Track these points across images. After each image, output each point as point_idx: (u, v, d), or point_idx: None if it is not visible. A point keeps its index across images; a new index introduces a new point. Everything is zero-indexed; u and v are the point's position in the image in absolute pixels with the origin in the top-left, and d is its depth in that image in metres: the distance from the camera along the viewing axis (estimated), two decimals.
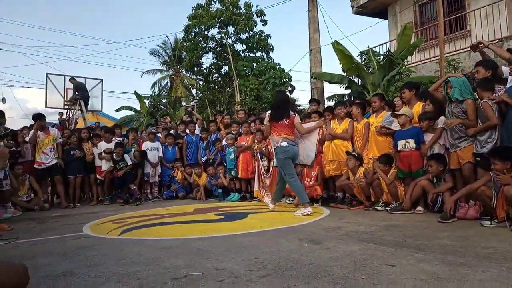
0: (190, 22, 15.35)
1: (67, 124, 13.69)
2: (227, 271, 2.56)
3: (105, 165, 8.05)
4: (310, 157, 5.83)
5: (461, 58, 10.14)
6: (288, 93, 14.28)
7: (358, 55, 11.71)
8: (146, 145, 8.67)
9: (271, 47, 16.00)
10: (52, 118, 16.34)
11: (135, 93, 20.73)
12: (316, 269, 2.52)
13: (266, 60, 15.70)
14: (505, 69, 4.59)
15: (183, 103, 22.50)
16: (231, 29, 15.66)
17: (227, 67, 15.88)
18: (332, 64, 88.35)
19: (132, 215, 5.98)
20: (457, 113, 4.53)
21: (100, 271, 2.69)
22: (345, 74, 11.62)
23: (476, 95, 4.57)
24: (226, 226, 4.66)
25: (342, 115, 6.24)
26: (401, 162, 5.22)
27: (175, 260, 2.90)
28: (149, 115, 20.44)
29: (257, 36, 15.71)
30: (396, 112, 5.45)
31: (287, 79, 14.45)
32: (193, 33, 15.53)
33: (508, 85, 4.40)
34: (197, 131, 9.20)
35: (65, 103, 14.62)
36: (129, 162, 7.91)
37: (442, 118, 4.99)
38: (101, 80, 15.74)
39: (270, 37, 16.03)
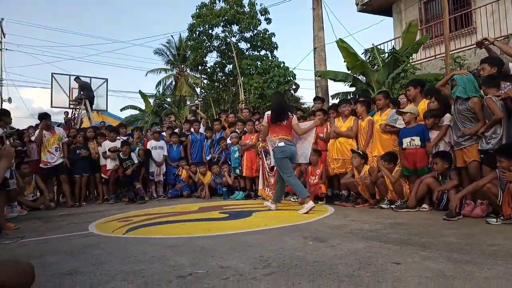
0: (194, 21, 15.38)
1: (73, 124, 13.76)
2: (231, 269, 2.57)
3: (110, 164, 8.10)
4: (307, 156, 5.91)
5: (466, 55, 10.08)
6: (292, 91, 14.29)
7: (362, 53, 11.68)
8: (151, 144, 8.70)
9: (275, 46, 16.00)
10: (58, 117, 16.44)
11: (140, 92, 20.85)
12: (320, 267, 2.52)
13: (270, 58, 15.70)
14: (511, 66, 4.54)
15: (188, 102, 22.55)
16: (235, 28, 15.68)
17: (231, 65, 15.89)
18: (336, 62, 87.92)
19: (137, 213, 6.01)
20: (462, 110, 4.49)
21: (105, 269, 2.71)
22: (349, 72, 11.59)
23: (482, 92, 4.54)
24: (230, 225, 4.67)
25: (347, 113, 6.24)
26: (406, 160, 5.20)
27: (180, 258, 2.91)
28: (153, 114, 20.53)
29: (261, 35, 15.71)
30: (401, 110, 5.43)
31: (291, 77, 14.44)
32: (197, 32, 15.56)
33: None
34: (201, 129, 9.22)
35: (71, 102, 14.71)
36: (136, 161, 7.96)
37: (447, 115, 4.97)
38: (106, 80, 15.81)
39: (274, 36, 16.06)
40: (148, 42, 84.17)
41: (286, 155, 5.47)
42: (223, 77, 16.78)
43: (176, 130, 9.61)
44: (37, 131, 7.72)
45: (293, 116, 5.72)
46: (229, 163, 7.92)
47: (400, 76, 9.68)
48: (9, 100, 23.38)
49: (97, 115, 16.11)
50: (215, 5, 15.52)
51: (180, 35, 25.37)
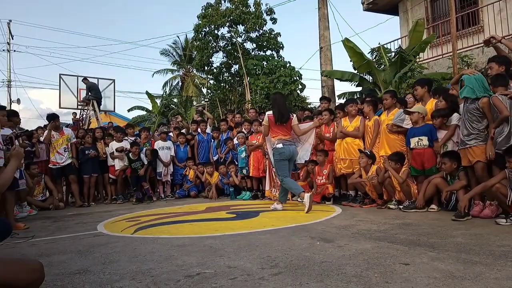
0: (200, 22, 15.38)
1: (81, 124, 13.88)
2: (239, 269, 2.57)
3: (118, 164, 8.16)
4: (305, 157, 5.94)
5: (474, 54, 9.99)
6: (298, 91, 14.25)
7: (369, 52, 11.64)
8: (158, 144, 8.75)
9: (281, 45, 15.95)
10: (66, 118, 16.63)
11: (147, 93, 20.95)
12: (328, 267, 2.52)
13: (276, 58, 15.65)
14: None
15: (194, 102, 22.61)
16: (241, 28, 15.65)
17: (237, 66, 15.88)
18: (342, 62, 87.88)
19: (145, 213, 6.04)
20: (471, 109, 4.43)
21: (114, 269, 2.73)
22: (356, 71, 11.55)
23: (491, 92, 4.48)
24: (238, 225, 4.68)
25: (354, 112, 6.22)
26: (414, 160, 5.17)
27: (187, 258, 2.92)
28: (160, 114, 20.62)
29: (267, 35, 15.67)
30: (409, 109, 5.39)
31: (297, 77, 14.39)
32: (203, 33, 15.56)
33: None
34: (208, 130, 9.25)
35: (79, 103, 14.84)
36: (145, 162, 8.02)
37: (455, 115, 4.93)
38: (113, 81, 15.93)
39: (280, 35, 15.98)
40: (155, 43, 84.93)
41: (284, 157, 5.55)
42: (229, 78, 16.78)
43: (183, 131, 9.65)
44: (46, 131, 7.80)
45: (293, 116, 5.75)
46: (236, 163, 7.94)
47: (407, 76, 9.62)
48: (18, 101, 23.68)
49: (104, 115, 16.24)
50: (220, 5, 15.52)
51: (186, 35, 25.58)
